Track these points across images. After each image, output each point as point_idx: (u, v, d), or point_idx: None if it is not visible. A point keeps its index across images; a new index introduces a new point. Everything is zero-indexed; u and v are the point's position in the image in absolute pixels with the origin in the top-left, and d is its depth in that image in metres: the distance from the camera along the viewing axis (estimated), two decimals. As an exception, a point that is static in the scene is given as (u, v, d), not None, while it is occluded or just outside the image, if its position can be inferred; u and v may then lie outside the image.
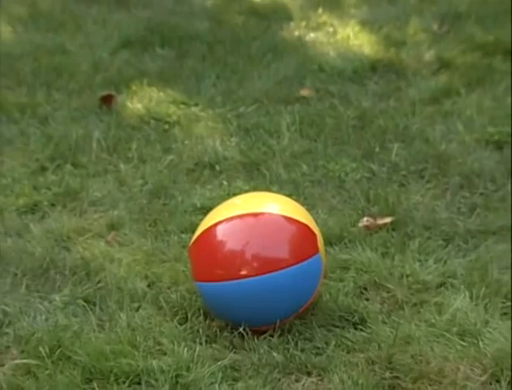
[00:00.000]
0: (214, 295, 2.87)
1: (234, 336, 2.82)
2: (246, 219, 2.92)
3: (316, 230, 2.92)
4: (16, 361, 2.70)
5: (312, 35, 5.44)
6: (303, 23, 5.60)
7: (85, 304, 3.00)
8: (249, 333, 2.80)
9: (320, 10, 5.77)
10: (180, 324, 2.89)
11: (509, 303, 3.00)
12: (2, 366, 2.71)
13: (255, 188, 3.62)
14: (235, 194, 3.39)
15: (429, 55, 5.05)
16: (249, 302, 2.81)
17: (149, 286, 3.10)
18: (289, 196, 3.30)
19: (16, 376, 2.65)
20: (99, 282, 3.11)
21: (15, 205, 3.65)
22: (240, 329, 2.80)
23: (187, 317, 2.92)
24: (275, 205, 3.01)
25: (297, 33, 5.47)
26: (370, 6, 5.90)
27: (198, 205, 3.60)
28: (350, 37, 5.36)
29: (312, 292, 2.90)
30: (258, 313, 2.83)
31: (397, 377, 2.65)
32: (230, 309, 2.85)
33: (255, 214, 2.94)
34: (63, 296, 3.04)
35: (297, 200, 3.23)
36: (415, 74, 4.85)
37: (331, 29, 5.50)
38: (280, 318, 2.83)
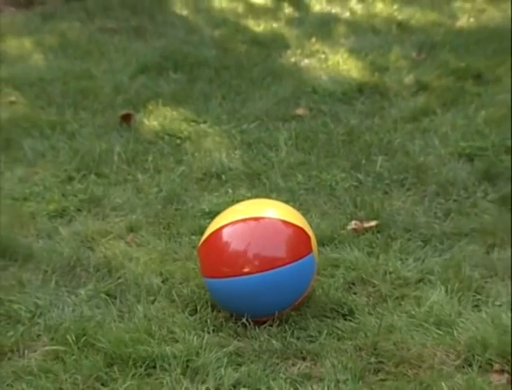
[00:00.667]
0: (220, 289, 2.85)
1: (238, 326, 2.81)
2: (248, 223, 2.91)
3: (310, 232, 2.91)
4: (46, 348, 2.70)
5: (306, 61, 5.44)
6: (298, 51, 5.60)
7: (107, 297, 2.99)
8: (251, 323, 2.79)
9: (313, 40, 5.78)
10: (191, 315, 2.88)
11: (479, 296, 2.99)
12: (34, 352, 2.70)
13: (256, 196, 3.61)
14: (238, 201, 3.37)
15: (409, 79, 5.04)
16: (250, 296, 2.80)
17: (163, 282, 3.09)
18: (286, 202, 3.29)
19: (46, 361, 2.65)
20: (119, 278, 3.10)
21: (45, 210, 3.64)
22: (243, 320, 2.80)
23: (196, 309, 2.90)
24: (273, 210, 2.99)
25: (293, 60, 5.47)
26: (357, 36, 5.90)
27: (206, 210, 3.59)
28: (340, 63, 5.36)
29: (306, 287, 2.89)
30: (259, 305, 2.81)
31: (381, 362, 2.64)
32: (234, 302, 2.84)
33: (256, 219, 2.93)
34: (88, 290, 3.04)
35: (293, 206, 3.21)
36: (397, 95, 4.84)
37: (323, 56, 5.50)
38: (278, 309, 2.82)
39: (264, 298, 2.79)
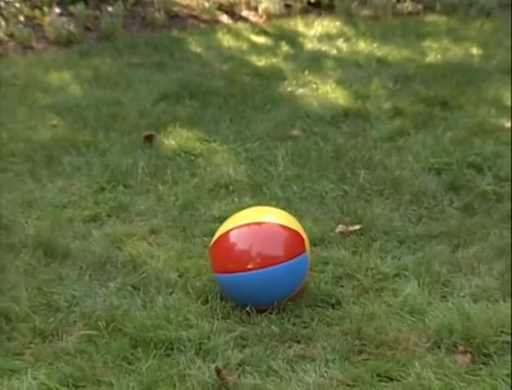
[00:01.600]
0: (228, 283, 2.84)
1: (242, 314, 2.80)
2: (252, 227, 2.90)
3: (303, 234, 2.89)
4: (81, 332, 2.70)
5: (300, 90, 5.42)
6: (294, 82, 5.59)
7: (132, 289, 2.98)
8: (254, 311, 2.78)
9: (306, 72, 5.77)
10: (203, 305, 2.87)
11: (446, 289, 2.98)
12: (71, 335, 2.70)
13: (258, 203, 3.59)
14: (243, 208, 3.35)
15: (386, 105, 5.02)
16: (253, 288, 2.78)
17: (179, 276, 3.07)
18: (284, 209, 3.27)
19: (81, 343, 2.65)
20: (142, 273, 3.09)
21: (81, 216, 3.63)
22: (247, 308, 2.78)
23: (208, 299, 2.89)
24: (273, 216, 2.98)
25: (289, 89, 5.45)
26: (343, 69, 5.90)
27: (216, 215, 3.57)
28: (328, 92, 5.35)
29: (301, 281, 2.87)
30: (261, 296, 2.80)
31: (364, 344, 2.64)
32: (239, 293, 2.82)
33: (258, 223, 2.92)
34: (116, 283, 3.03)
35: (289, 212, 3.19)
36: (376, 119, 4.82)
37: (314, 86, 5.48)
38: (277, 300, 2.80)
39: (265, 290, 2.78)
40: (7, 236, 3.39)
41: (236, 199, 3.77)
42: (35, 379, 2.45)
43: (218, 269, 2.88)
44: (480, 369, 2.49)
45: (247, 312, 2.78)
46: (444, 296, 2.92)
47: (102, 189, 3.91)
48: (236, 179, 3.98)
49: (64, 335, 2.69)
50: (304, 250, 2.85)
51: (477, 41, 6.60)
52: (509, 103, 5.00)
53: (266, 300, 2.80)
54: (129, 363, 2.53)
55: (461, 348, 2.58)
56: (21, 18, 6.96)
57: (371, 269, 3.11)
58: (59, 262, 3.19)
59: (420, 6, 7.71)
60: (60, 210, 3.70)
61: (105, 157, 4.26)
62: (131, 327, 2.67)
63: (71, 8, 7.22)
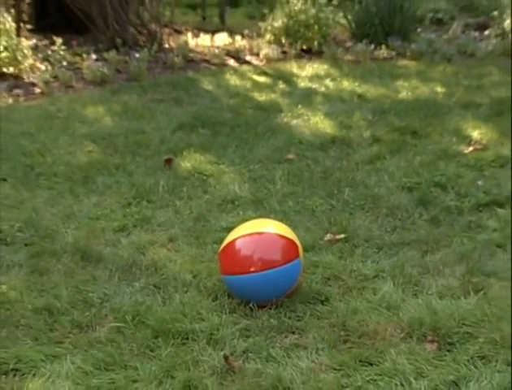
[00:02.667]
0: (234, 283, 2.82)
1: (246, 309, 2.77)
2: (254, 236, 2.88)
3: (298, 242, 2.87)
4: (111, 325, 2.68)
5: (295, 121, 5.41)
6: (289, 114, 5.59)
7: (154, 288, 2.96)
8: (256, 307, 2.76)
9: (299, 106, 5.77)
10: (213, 301, 2.85)
11: (417, 288, 2.95)
12: (103, 327, 2.68)
13: (260, 216, 3.56)
14: (247, 219, 3.33)
15: (366, 134, 5.00)
16: (255, 287, 2.76)
17: (193, 277, 3.05)
18: (281, 220, 3.25)
19: (111, 333, 2.63)
20: (162, 275, 3.07)
21: (111, 226, 3.61)
22: (250, 304, 2.76)
23: (217, 296, 2.87)
24: (272, 227, 2.97)
25: (285, 120, 5.45)
26: (330, 104, 5.89)
27: (224, 226, 3.55)
28: (318, 122, 5.34)
29: (295, 282, 2.85)
30: (262, 294, 2.78)
31: (348, 335, 2.61)
32: (244, 292, 2.80)
33: (259, 233, 2.90)
34: (140, 283, 3.01)
35: (285, 223, 3.16)
36: (358, 145, 4.81)
37: (306, 117, 5.48)
38: (275, 297, 2.78)
39: (265, 289, 2.76)
40: (51, 244, 3.38)
41: (241, 212, 3.75)
42: (73, 363, 2.43)
43: (226, 271, 2.86)
44: (445, 355, 2.47)
45: (250, 307, 2.76)
46: (415, 294, 2.90)
47: (129, 204, 3.89)
48: (241, 196, 3.96)
49: (97, 327, 2.67)
50: (298, 256, 2.83)
51: (440, 81, 6.60)
52: (467, 133, 4.99)
53: (266, 297, 2.78)
54: (151, 350, 2.51)
55: (429, 337, 2.56)
56: (64, 63, 7.00)
57: (354, 271, 3.09)
58: (93, 265, 3.17)
59: (393, 53, 7.73)
60: (94, 221, 3.68)
61: (131, 177, 4.25)
62: (153, 320, 2.65)
63: (105, 54, 7.28)
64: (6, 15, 7.05)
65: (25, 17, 7.93)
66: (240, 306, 2.79)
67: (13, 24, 7.13)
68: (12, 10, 7.56)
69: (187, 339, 2.57)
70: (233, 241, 2.85)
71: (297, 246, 2.85)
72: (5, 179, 4.23)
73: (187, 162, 4.49)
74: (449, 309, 2.70)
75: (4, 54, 6.65)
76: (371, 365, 2.42)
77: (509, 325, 2.58)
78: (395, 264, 3.15)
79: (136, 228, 3.60)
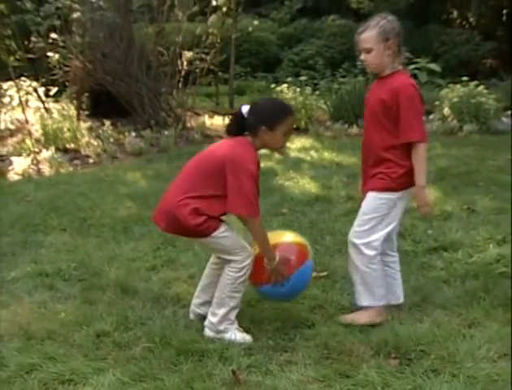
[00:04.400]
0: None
1: (249, 333, 2.72)
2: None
3: (308, 249, 2.81)
4: (144, 345, 2.65)
5: (287, 183, 5.46)
6: (283, 177, 5.64)
7: (177, 316, 2.93)
8: (256, 330, 2.72)
9: (291, 171, 5.83)
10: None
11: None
12: (137, 346, 2.65)
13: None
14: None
15: (343, 193, 5.02)
16: (280, 290, 2.71)
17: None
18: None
19: (144, 352, 2.59)
20: (184, 305, 3.04)
21: (145, 266, 3.62)
22: (251, 329, 2.72)
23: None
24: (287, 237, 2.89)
25: (280, 182, 5.50)
26: (314, 169, 5.95)
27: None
28: (305, 184, 5.39)
29: (309, 280, 2.83)
30: (287, 294, 2.76)
31: (330, 353, 2.59)
32: (273, 295, 2.77)
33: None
34: (167, 311, 2.99)
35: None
36: (336, 202, 4.81)
37: (296, 180, 5.53)
38: (300, 290, 2.77)
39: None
40: (98, 280, 3.39)
41: (245, 255, 3.75)
42: (114, 375, 2.40)
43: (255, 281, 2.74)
44: (405, 369, 2.44)
45: (252, 332, 2.74)
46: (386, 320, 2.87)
47: (158, 248, 3.90)
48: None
49: (133, 346, 2.65)
50: (308, 258, 2.77)
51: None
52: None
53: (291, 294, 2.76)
54: (175, 365, 2.48)
55: (393, 355, 2.54)
56: (111, 139, 7.12)
57: (334, 302, 3.07)
58: (131, 296, 3.17)
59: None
60: (131, 262, 3.69)
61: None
62: (176, 341, 2.62)
63: (142, 132, 7.42)
64: (70, 105, 7.61)
65: (84, 106, 8.22)
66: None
67: (74, 111, 7.57)
68: (74, 101, 7.86)
69: (203, 356, 2.55)
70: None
71: (306, 251, 2.77)
72: (65, 230, 4.28)
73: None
74: (407, 332, 2.68)
75: (67, 134, 7.00)
76: (348, 377, 2.40)
77: (453, 345, 2.57)
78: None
79: (163, 267, 3.61)
